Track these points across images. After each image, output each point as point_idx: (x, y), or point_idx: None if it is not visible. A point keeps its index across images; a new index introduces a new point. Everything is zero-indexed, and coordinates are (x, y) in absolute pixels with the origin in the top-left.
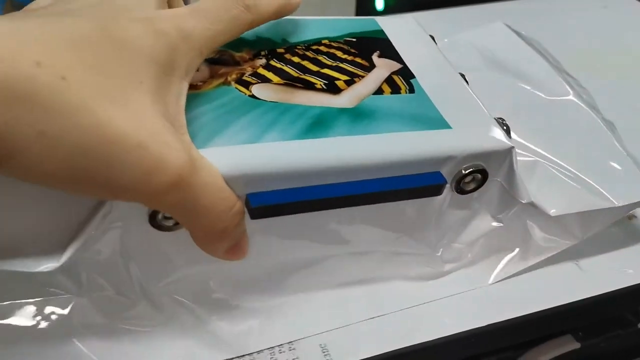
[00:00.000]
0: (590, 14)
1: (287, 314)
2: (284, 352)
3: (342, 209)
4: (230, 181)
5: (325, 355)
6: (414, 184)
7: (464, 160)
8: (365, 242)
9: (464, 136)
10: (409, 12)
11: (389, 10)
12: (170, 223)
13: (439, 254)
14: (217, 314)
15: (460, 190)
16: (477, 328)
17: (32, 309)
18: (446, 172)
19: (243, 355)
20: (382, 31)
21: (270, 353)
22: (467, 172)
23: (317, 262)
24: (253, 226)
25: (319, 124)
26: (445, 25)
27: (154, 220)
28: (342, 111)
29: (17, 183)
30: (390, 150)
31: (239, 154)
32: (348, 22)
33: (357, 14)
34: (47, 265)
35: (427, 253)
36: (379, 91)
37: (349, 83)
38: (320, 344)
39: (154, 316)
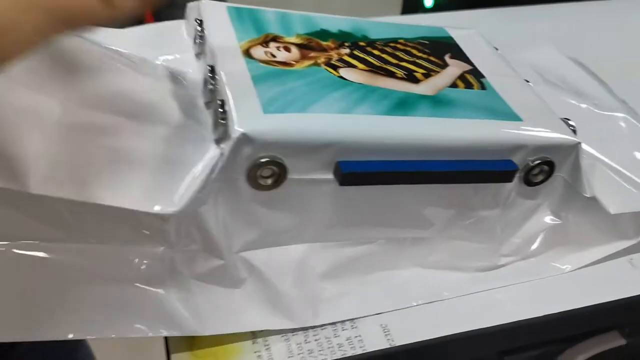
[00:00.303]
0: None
1: (351, 294)
2: (346, 329)
3: (418, 190)
4: (324, 146)
5: (386, 334)
6: (489, 168)
7: (533, 151)
8: (433, 228)
9: (534, 128)
10: (459, 10)
11: (438, 7)
12: (267, 182)
13: (499, 246)
14: (289, 284)
15: (527, 181)
16: (529, 319)
17: (125, 254)
18: (516, 161)
19: (307, 329)
20: (451, 37)
21: (334, 329)
22: (535, 163)
23: (382, 246)
24: (333, 204)
25: (403, 104)
26: (492, 24)
27: (252, 178)
28: (423, 97)
29: None
30: (469, 133)
31: (334, 121)
32: (419, 28)
33: (404, 10)
34: (167, 209)
35: (488, 245)
36: (453, 85)
37: (426, 76)
38: (381, 324)
39: (232, 276)
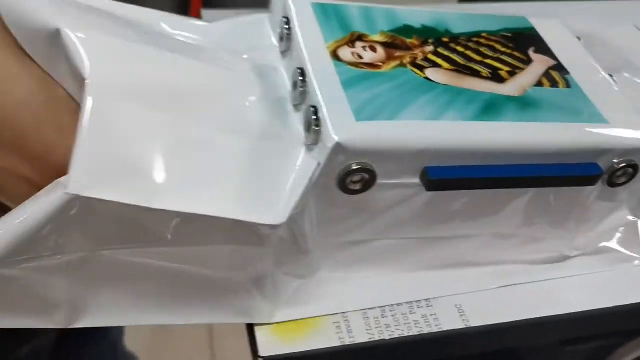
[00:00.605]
0: None
1: (427, 275)
2: (422, 307)
3: (501, 194)
4: (414, 153)
5: (461, 315)
6: (574, 172)
7: (619, 154)
8: (510, 226)
9: (620, 132)
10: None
11: None
12: (356, 187)
13: (572, 241)
14: (364, 270)
15: (610, 183)
16: (600, 309)
17: (226, 255)
18: (601, 164)
19: (384, 306)
20: (533, 28)
21: (409, 306)
22: (620, 166)
23: (459, 238)
24: (417, 206)
25: (490, 108)
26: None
27: (342, 184)
28: (510, 99)
29: None
30: (555, 138)
31: (423, 129)
32: (501, 18)
33: None
34: (276, 219)
35: (561, 240)
36: (538, 84)
37: (511, 74)
38: (456, 305)
39: (318, 272)
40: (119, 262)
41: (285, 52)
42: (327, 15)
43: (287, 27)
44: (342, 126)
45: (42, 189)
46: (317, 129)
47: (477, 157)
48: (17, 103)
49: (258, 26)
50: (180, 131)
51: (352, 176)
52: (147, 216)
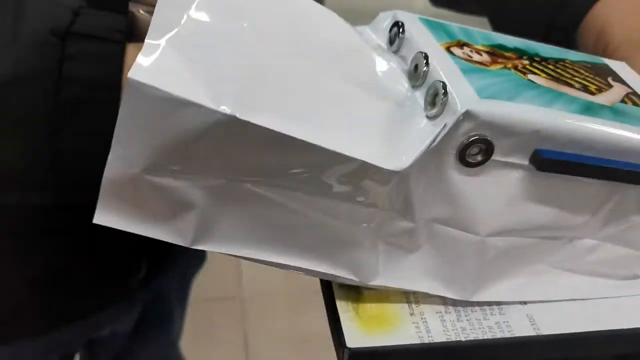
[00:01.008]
0: None
1: (506, 281)
2: (494, 314)
3: (596, 188)
4: (530, 132)
5: (532, 324)
6: None
7: None
8: (592, 227)
9: None
10: None
11: None
12: (476, 159)
13: None
14: (459, 260)
15: None
16: None
17: (340, 208)
18: None
19: (459, 310)
20: (607, 65)
21: (483, 312)
22: None
23: (544, 241)
24: (521, 190)
25: (589, 109)
26: None
27: (462, 154)
28: (603, 106)
29: None
30: None
31: (539, 112)
32: (579, 54)
33: None
34: (396, 166)
35: (631, 253)
36: (623, 102)
37: (598, 90)
38: (527, 314)
39: (415, 242)
40: (254, 196)
41: (396, 52)
42: (433, 26)
43: (400, 29)
44: (468, 99)
45: None
46: (444, 98)
47: (583, 146)
48: None
49: (363, 34)
50: (323, 79)
51: (472, 147)
52: (288, 150)
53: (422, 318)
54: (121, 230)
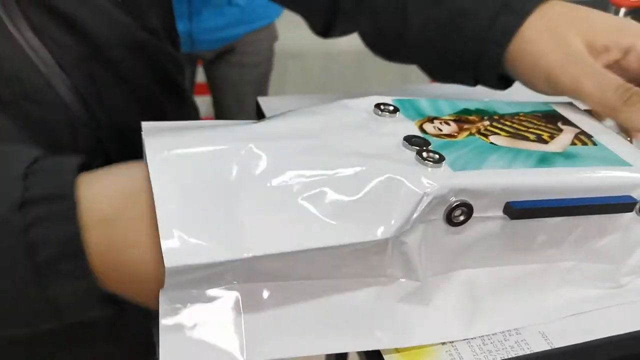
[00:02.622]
0: None
1: (512, 309)
2: (512, 335)
3: (564, 223)
4: (499, 191)
5: (546, 339)
6: (617, 201)
7: None
8: (571, 252)
9: None
10: None
11: None
12: (459, 219)
13: (620, 267)
14: (467, 300)
15: None
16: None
17: (351, 285)
18: (635, 196)
19: (484, 336)
20: (555, 110)
21: (503, 335)
22: None
23: (533, 269)
24: (500, 236)
25: (544, 160)
26: None
27: (448, 217)
28: (556, 154)
29: None
30: (599, 177)
31: (503, 173)
32: (529, 104)
33: None
34: (386, 234)
35: (611, 266)
36: (573, 144)
37: (551, 137)
38: (539, 331)
39: (426, 296)
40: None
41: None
42: (405, 107)
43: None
44: (443, 175)
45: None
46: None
47: (544, 193)
48: None
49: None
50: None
51: (456, 210)
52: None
53: (453, 346)
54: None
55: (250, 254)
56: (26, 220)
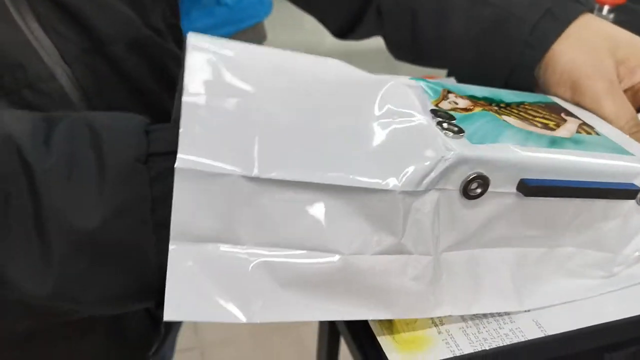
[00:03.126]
0: None
1: (509, 292)
2: (507, 323)
3: (573, 205)
4: (514, 166)
5: (539, 327)
6: (623, 187)
7: None
8: (574, 236)
9: None
10: None
11: None
12: (476, 192)
13: (616, 256)
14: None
15: None
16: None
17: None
18: (637, 183)
19: (479, 324)
20: (556, 102)
21: (497, 323)
22: None
23: (539, 252)
24: (512, 213)
25: (555, 142)
26: None
27: (465, 189)
28: (564, 138)
29: None
30: (607, 162)
31: (518, 151)
32: (531, 95)
33: None
34: (392, 184)
35: (607, 256)
36: (578, 132)
37: (557, 125)
38: (533, 319)
39: (436, 272)
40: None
41: None
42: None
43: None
44: (464, 146)
45: None
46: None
47: (556, 172)
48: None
49: None
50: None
51: (472, 183)
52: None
53: (449, 335)
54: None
55: (264, 176)
56: (150, 174)
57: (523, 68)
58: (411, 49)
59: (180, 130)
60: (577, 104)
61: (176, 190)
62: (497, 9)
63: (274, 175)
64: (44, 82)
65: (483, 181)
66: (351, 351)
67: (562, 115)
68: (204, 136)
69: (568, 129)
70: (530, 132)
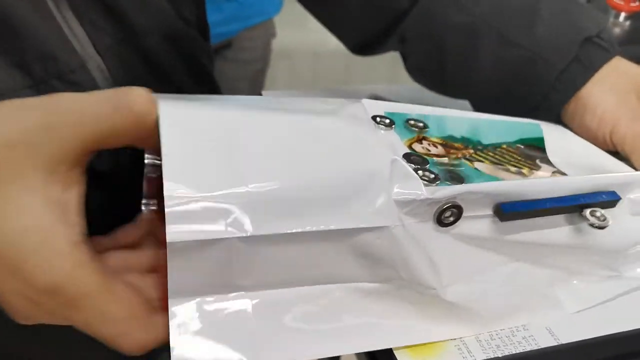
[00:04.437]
0: None
1: (522, 307)
2: (520, 331)
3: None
4: (488, 194)
5: (552, 335)
6: (608, 198)
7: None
8: (571, 257)
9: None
10: None
11: None
12: (449, 220)
13: (619, 259)
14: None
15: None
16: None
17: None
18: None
19: (492, 331)
20: (540, 139)
21: (510, 331)
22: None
23: (530, 267)
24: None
25: None
26: None
27: (439, 219)
28: None
29: None
30: (583, 178)
31: (490, 185)
32: (518, 125)
33: None
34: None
35: (610, 259)
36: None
37: (530, 172)
38: (546, 327)
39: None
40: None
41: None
42: (396, 120)
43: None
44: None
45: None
46: (425, 180)
47: (529, 196)
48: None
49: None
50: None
51: (446, 212)
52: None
53: (461, 341)
54: None
55: (248, 189)
56: None
57: (548, 110)
58: (433, 80)
59: (165, 194)
60: (615, 147)
61: (170, 261)
62: (525, 51)
63: (266, 231)
64: (75, 73)
65: (457, 210)
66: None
67: (537, 162)
68: (190, 201)
69: (540, 176)
70: (500, 179)
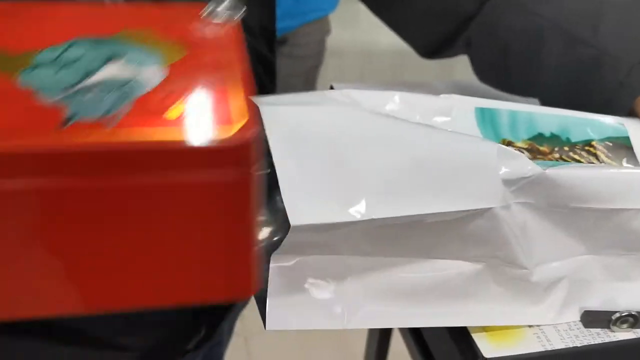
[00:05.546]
0: None
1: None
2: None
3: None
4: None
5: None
6: None
7: None
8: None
9: None
10: None
11: None
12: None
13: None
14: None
15: None
16: None
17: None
18: None
19: (569, 322)
20: (628, 138)
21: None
22: None
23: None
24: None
25: None
26: None
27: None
28: None
29: None
30: None
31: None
32: (606, 128)
33: None
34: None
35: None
36: None
37: None
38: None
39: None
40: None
41: None
42: (484, 120)
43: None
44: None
45: None
46: None
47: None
48: None
49: None
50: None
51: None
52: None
53: (540, 329)
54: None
55: (367, 217)
56: None
57: (616, 108)
58: (499, 80)
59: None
60: None
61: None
62: (592, 50)
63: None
64: None
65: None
66: (410, 351)
67: (624, 162)
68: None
69: None
70: None
